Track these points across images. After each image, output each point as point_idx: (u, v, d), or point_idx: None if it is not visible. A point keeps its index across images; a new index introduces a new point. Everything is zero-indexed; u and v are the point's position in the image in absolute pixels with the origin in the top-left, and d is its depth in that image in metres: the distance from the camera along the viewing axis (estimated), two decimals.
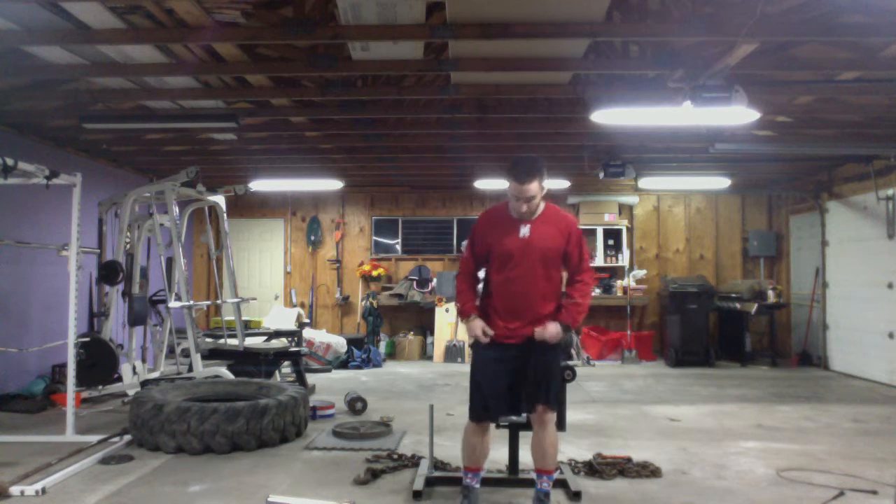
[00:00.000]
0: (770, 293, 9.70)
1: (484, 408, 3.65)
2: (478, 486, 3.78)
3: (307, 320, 10.85)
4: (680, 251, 11.25)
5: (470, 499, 3.73)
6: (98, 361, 6.37)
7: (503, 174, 3.73)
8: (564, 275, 3.80)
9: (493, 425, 3.84)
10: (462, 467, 3.81)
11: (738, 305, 9.84)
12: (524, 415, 3.83)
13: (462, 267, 3.89)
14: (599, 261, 10.97)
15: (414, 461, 4.65)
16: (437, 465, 4.47)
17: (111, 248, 7.14)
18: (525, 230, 3.62)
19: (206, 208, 8.62)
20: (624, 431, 5.69)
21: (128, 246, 7.00)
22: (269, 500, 3.83)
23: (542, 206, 3.66)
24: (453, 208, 11.50)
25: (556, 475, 3.85)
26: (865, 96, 6.04)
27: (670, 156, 8.58)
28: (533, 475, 3.75)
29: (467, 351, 5.38)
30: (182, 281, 6.63)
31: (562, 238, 3.64)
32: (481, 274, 3.84)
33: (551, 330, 3.56)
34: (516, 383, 3.65)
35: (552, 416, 3.66)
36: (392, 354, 10.60)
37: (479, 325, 3.64)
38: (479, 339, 3.63)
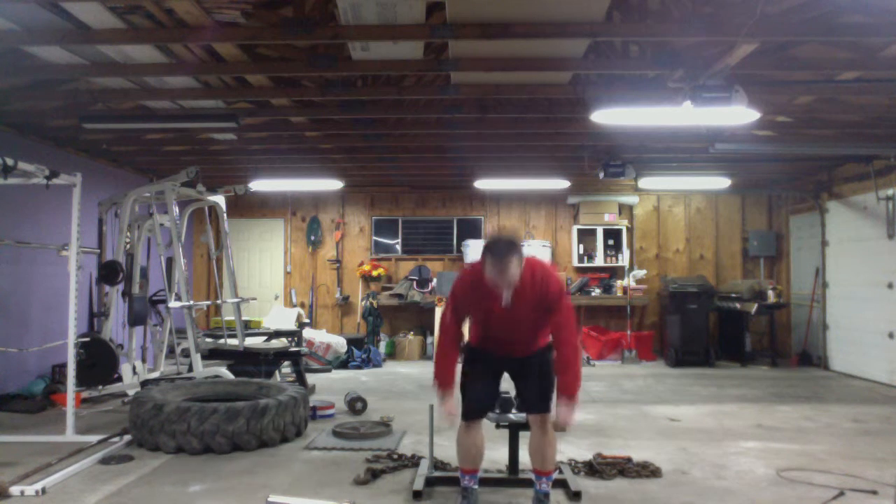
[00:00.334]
0: (770, 293, 9.69)
1: (475, 408, 3.67)
2: (476, 486, 3.79)
3: (307, 320, 10.85)
4: (680, 251, 11.25)
5: (469, 500, 3.74)
6: (98, 361, 6.37)
7: (481, 250, 3.42)
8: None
9: (485, 425, 3.82)
10: (459, 470, 3.81)
11: (738, 305, 9.84)
12: (523, 415, 3.85)
13: (443, 330, 3.67)
14: (599, 261, 10.97)
15: (414, 461, 4.66)
16: (437, 465, 4.47)
17: (111, 248, 7.14)
18: (507, 296, 3.46)
19: (206, 208, 8.62)
20: (624, 431, 5.69)
21: (128, 246, 7.00)
22: (269, 500, 3.83)
23: (519, 273, 3.42)
24: (453, 208, 11.50)
25: (555, 475, 3.85)
26: (865, 96, 6.04)
27: (670, 156, 8.58)
28: (531, 475, 3.75)
29: None
30: (182, 281, 6.63)
31: (543, 302, 3.51)
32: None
33: (566, 418, 3.46)
34: (516, 383, 3.71)
35: (550, 418, 3.66)
36: (392, 354, 10.60)
37: (449, 407, 3.53)
38: (443, 418, 3.58)
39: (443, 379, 3.59)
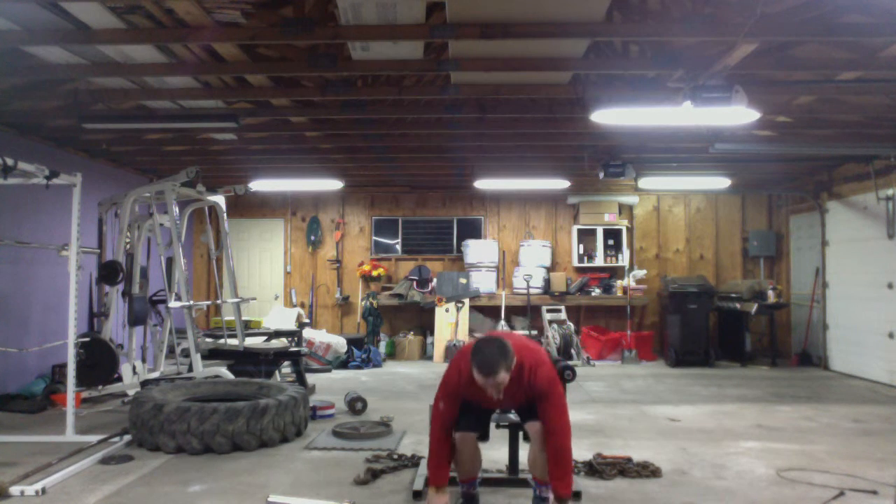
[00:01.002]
0: (770, 293, 9.70)
1: (471, 422, 3.64)
2: (476, 491, 3.79)
3: (307, 320, 10.85)
4: (680, 251, 11.26)
5: (470, 502, 3.74)
6: (98, 361, 6.37)
7: (470, 364, 3.32)
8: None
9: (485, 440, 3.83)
10: (458, 480, 3.78)
11: (738, 305, 9.84)
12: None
13: (436, 422, 3.57)
14: (599, 261, 10.98)
15: (414, 461, 4.65)
16: None
17: (111, 248, 7.14)
18: (498, 394, 3.38)
19: (206, 208, 8.62)
20: (624, 431, 5.69)
21: (128, 246, 7.00)
22: (270, 500, 3.83)
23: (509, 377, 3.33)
24: (453, 208, 11.50)
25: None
26: (865, 96, 6.04)
27: (670, 156, 8.59)
28: (530, 479, 3.73)
29: None
30: (182, 281, 6.63)
31: (532, 397, 3.47)
32: None
33: None
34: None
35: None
36: (392, 354, 10.60)
37: (444, 501, 3.48)
38: None
39: (435, 477, 3.53)
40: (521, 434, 4.08)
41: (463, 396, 3.53)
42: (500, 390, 3.32)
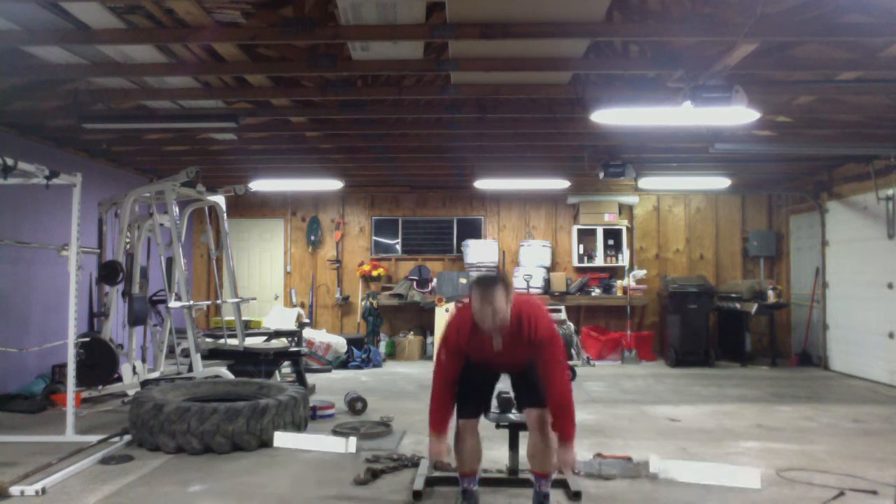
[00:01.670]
0: (770, 293, 9.69)
1: (472, 406, 3.66)
2: (475, 488, 3.77)
3: (307, 320, 10.84)
4: (680, 251, 11.25)
5: (470, 501, 3.73)
6: (98, 361, 6.37)
7: (466, 320, 3.44)
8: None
9: (486, 425, 3.81)
10: (458, 473, 3.78)
11: (738, 305, 9.84)
12: (524, 415, 3.82)
13: (438, 374, 3.59)
14: (599, 261, 10.98)
15: (414, 461, 4.66)
16: (437, 465, 4.46)
17: (111, 248, 7.14)
18: (497, 342, 3.46)
19: (206, 208, 8.62)
20: (624, 431, 5.69)
21: (128, 246, 7.00)
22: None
23: (508, 314, 3.36)
24: (453, 208, 11.50)
25: (554, 476, 3.84)
26: (865, 96, 6.04)
27: (670, 156, 8.58)
28: (531, 476, 3.74)
29: None
30: (182, 281, 6.63)
31: (532, 349, 3.46)
32: None
33: (567, 460, 3.44)
34: (513, 378, 3.75)
35: (548, 419, 3.60)
36: (392, 354, 10.59)
37: (442, 450, 3.50)
38: (435, 457, 3.55)
39: (436, 424, 3.55)
40: (520, 434, 4.08)
41: (464, 352, 3.54)
42: (498, 320, 3.30)
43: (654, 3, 4.64)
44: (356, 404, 6.33)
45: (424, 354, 10.57)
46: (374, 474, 4.36)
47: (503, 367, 3.73)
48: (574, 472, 3.46)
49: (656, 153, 8.41)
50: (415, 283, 10.88)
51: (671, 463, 4.43)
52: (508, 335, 3.43)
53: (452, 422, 3.64)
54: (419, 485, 4.06)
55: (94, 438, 5.10)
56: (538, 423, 3.59)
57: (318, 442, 4.90)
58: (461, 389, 3.65)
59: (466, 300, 3.46)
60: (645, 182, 9.63)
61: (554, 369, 3.44)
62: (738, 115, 5.40)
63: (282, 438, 4.91)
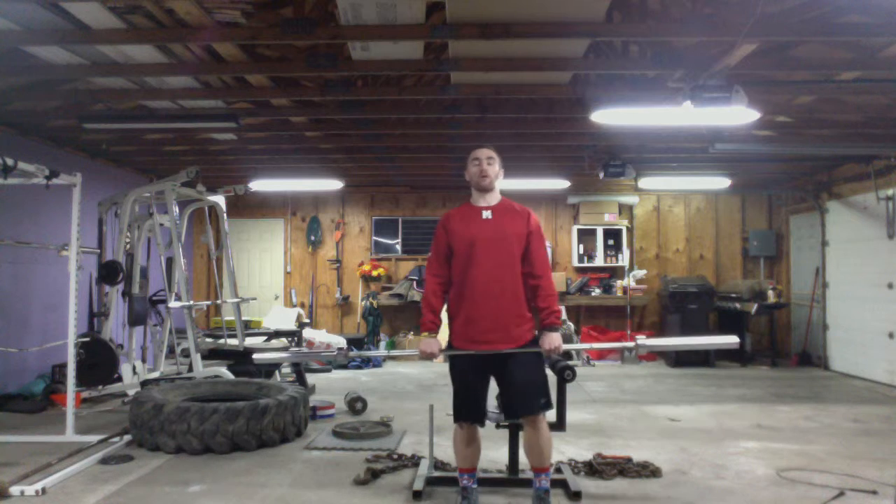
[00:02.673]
0: (770, 293, 9.69)
1: (467, 413, 3.64)
2: (475, 486, 3.78)
3: (307, 320, 10.85)
4: (680, 251, 11.26)
5: (469, 500, 3.73)
6: (98, 361, 6.36)
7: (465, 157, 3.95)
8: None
9: (482, 425, 3.79)
10: (457, 469, 3.81)
11: (738, 305, 9.84)
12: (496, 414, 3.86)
13: (427, 270, 3.90)
14: (599, 261, 10.98)
15: (414, 461, 4.66)
16: (437, 465, 4.47)
17: (111, 248, 7.14)
18: (487, 213, 3.75)
19: (206, 208, 8.61)
20: (624, 431, 5.69)
21: (128, 246, 7.00)
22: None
23: (498, 195, 3.87)
24: (453, 208, 11.47)
25: (552, 472, 3.85)
26: (865, 96, 6.04)
27: (670, 156, 8.58)
28: (531, 475, 3.74)
29: None
30: (182, 281, 6.63)
31: (522, 222, 3.71)
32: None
33: (555, 342, 3.56)
34: (501, 389, 3.70)
35: (543, 417, 3.62)
36: None
37: (433, 345, 3.65)
38: (425, 356, 3.67)
39: (427, 325, 3.70)
40: (520, 434, 4.08)
41: (453, 238, 3.75)
42: (492, 175, 3.83)
43: (654, 3, 4.64)
44: (356, 404, 6.34)
45: None
46: (374, 474, 4.36)
47: (486, 251, 3.65)
48: (557, 352, 3.60)
49: (656, 153, 8.40)
50: (415, 283, 10.88)
51: None
52: (499, 210, 3.75)
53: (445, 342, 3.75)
54: (419, 485, 4.05)
55: (94, 438, 5.11)
56: (533, 421, 3.60)
57: None
58: (454, 387, 3.67)
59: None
60: (645, 182, 9.63)
61: (541, 258, 3.70)
62: (738, 115, 5.40)
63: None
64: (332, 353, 4.18)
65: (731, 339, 4.06)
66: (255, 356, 4.34)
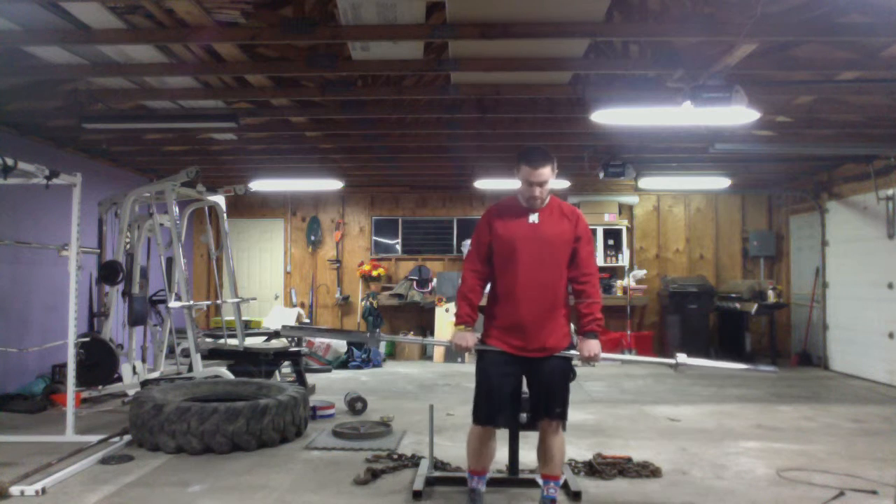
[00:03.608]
0: (770, 293, 9.69)
1: (491, 415, 3.53)
2: (483, 488, 3.71)
3: (307, 320, 10.85)
4: (680, 251, 11.26)
5: (476, 503, 3.68)
6: (98, 361, 6.37)
7: (515, 161, 3.63)
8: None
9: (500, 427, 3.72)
10: (467, 470, 3.73)
11: (738, 305, 9.84)
12: (524, 414, 3.77)
13: (466, 265, 3.68)
14: (599, 261, 10.96)
15: (414, 461, 4.65)
16: (437, 465, 4.46)
17: (111, 248, 7.14)
18: (534, 217, 3.57)
19: (206, 208, 8.62)
20: (624, 431, 5.69)
21: (128, 246, 7.00)
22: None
23: (549, 197, 3.64)
24: (453, 208, 11.50)
25: (562, 481, 3.81)
26: (865, 96, 6.04)
27: (670, 156, 8.59)
28: (535, 478, 3.71)
29: None
30: (182, 281, 6.63)
31: (570, 227, 3.56)
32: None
33: (594, 349, 3.58)
34: (529, 390, 3.62)
35: (559, 425, 3.58)
36: (392, 354, 10.60)
37: (469, 339, 3.51)
38: (460, 349, 3.56)
39: (463, 317, 3.57)
40: (520, 434, 4.07)
41: (496, 235, 3.59)
42: (544, 195, 3.55)
43: (654, 3, 4.64)
44: (356, 404, 6.33)
45: (424, 354, 10.57)
46: (374, 474, 4.36)
47: (529, 254, 3.52)
48: (597, 359, 3.62)
49: (656, 153, 8.41)
50: (415, 283, 10.89)
51: None
52: (546, 212, 3.59)
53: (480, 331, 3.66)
54: (419, 485, 4.05)
55: (94, 438, 5.10)
56: (552, 428, 3.55)
57: None
58: (478, 386, 3.58)
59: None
60: (645, 182, 9.62)
61: (591, 262, 3.67)
62: (737, 115, 5.40)
63: None
64: (363, 335, 4.19)
65: (769, 369, 4.26)
66: (282, 328, 4.33)
